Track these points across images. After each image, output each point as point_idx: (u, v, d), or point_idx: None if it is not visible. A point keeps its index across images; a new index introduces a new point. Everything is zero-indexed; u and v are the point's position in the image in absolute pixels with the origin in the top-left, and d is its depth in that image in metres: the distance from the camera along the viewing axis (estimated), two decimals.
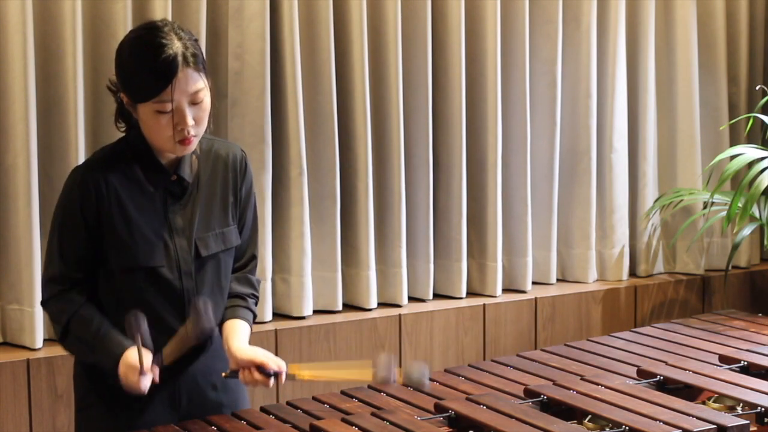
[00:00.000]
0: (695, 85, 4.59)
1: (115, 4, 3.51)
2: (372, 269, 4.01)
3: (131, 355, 2.36)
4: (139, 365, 2.32)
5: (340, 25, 3.93)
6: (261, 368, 2.43)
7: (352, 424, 2.41)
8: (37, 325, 3.46)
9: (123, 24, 3.51)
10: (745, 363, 2.91)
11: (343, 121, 3.96)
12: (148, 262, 2.43)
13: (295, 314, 3.87)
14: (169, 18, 3.56)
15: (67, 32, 3.45)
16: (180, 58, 2.33)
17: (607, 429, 2.41)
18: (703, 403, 2.61)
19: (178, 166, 2.47)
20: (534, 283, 4.41)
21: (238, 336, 2.50)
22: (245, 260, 2.63)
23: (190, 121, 2.36)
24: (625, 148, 4.52)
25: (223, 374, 2.50)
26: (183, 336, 2.40)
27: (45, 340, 3.53)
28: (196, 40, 2.42)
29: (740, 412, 2.53)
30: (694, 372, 2.80)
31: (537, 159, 4.37)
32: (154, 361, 2.37)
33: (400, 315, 4.00)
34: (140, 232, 2.43)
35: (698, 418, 2.42)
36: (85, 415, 2.56)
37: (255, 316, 2.63)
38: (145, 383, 2.35)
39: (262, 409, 2.57)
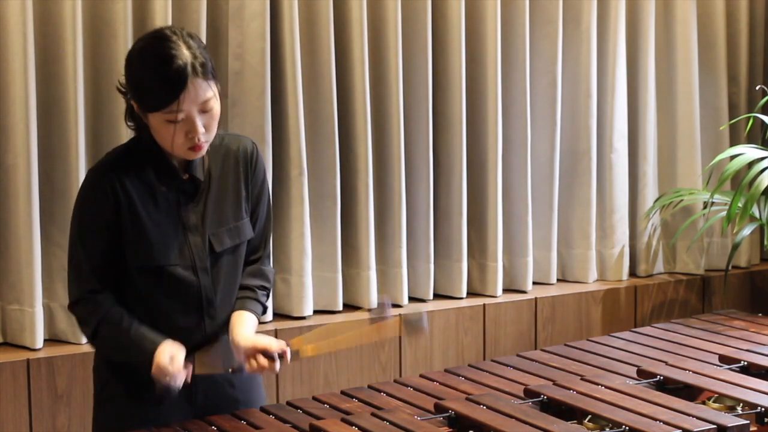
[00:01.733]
0: (695, 85, 4.59)
1: (115, 4, 3.51)
2: (372, 269, 4.01)
3: (162, 355, 2.39)
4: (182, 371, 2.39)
5: (341, 25, 3.93)
6: (265, 353, 2.45)
7: (352, 424, 2.42)
8: (37, 326, 3.46)
9: (123, 24, 3.51)
10: (745, 363, 2.91)
11: (344, 120, 3.96)
12: (163, 261, 2.46)
13: (295, 314, 3.88)
14: (170, 18, 3.56)
15: (67, 32, 3.45)
16: (189, 69, 2.34)
17: (607, 429, 2.41)
18: (703, 403, 2.61)
19: (189, 165, 2.49)
20: (534, 283, 4.41)
21: (242, 326, 2.52)
22: (259, 253, 2.65)
23: (201, 129, 2.38)
24: (625, 148, 4.52)
25: (230, 370, 2.52)
26: (214, 360, 2.45)
27: (45, 340, 3.53)
28: (205, 47, 2.44)
29: (740, 412, 2.53)
30: (694, 372, 2.80)
31: (537, 159, 4.37)
32: (186, 363, 2.41)
33: (400, 315, 3.99)
34: (154, 231, 2.45)
35: (698, 418, 2.42)
36: (102, 408, 2.58)
37: (265, 308, 2.64)
38: (179, 381, 2.39)
39: (262, 409, 2.57)
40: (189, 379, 2.42)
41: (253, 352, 2.46)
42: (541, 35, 4.34)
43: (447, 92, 4.15)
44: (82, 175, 3.49)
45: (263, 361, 2.45)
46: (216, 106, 2.41)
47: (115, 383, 2.54)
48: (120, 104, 3.52)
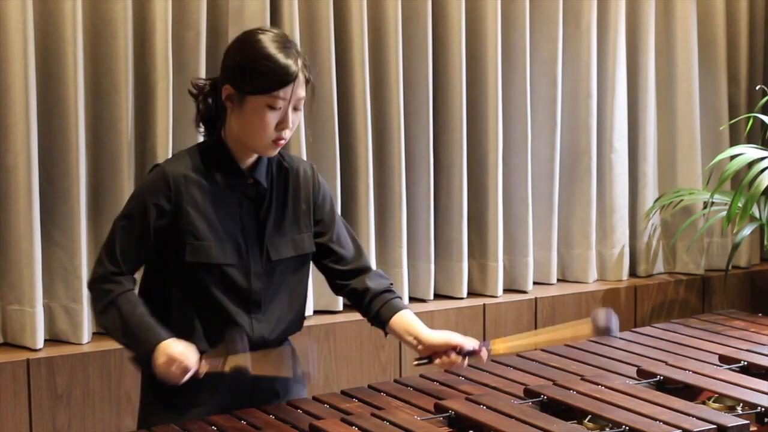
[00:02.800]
0: (695, 85, 4.59)
1: (115, 4, 3.51)
2: None
3: (175, 346, 2.42)
4: (197, 365, 2.43)
5: (341, 25, 3.93)
6: (458, 350, 2.58)
7: (352, 424, 2.41)
8: (37, 326, 3.46)
9: (123, 24, 3.51)
10: (745, 363, 2.90)
11: (344, 120, 3.96)
12: (220, 260, 2.51)
13: None
14: (170, 18, 3.57)
15: (68, 32, 3.45)
16: (299, 65, 2.47)
17: (607, 429, 2.41)
18: (703, 403, 2.61)
19: (255, 170, 2.56)
20: (534, 283, 4.41)
21: (419, 325, 2.63)
22: (361, 263, 2.71)
23: (291, 124, 2.48)
24: (625, 148, 4.52)
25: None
26: (223, 361, 2.46)
27: (45, 340, 3.53)
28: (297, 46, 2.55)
29: (740, 412, 2.53)
30: (694, 372, 2.80)
31: (537, 159, 4.37)
32: (211, 362, 2.45)
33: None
34: (215, 231, 2.51)
35: (698, 418, 2.41)
36: (149, 388, 2.63)
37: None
38: (186, 377, 2.42)
39: (262, 409, 2.57)
40: (201, 375, 2.44)
41: (446, 348, 2.59)
42: (541, 35, 4.35)
43: (447, 92, 4.15)
44: (82, 175, 3.50)
45: (455, 357, 2.59)
46: (302, 109, 2.52)
47: (153, 393, 2.58)
48: (120, 104, 3.54)
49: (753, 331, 3.35)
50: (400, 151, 4.02)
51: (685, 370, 2.82)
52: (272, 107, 2.45)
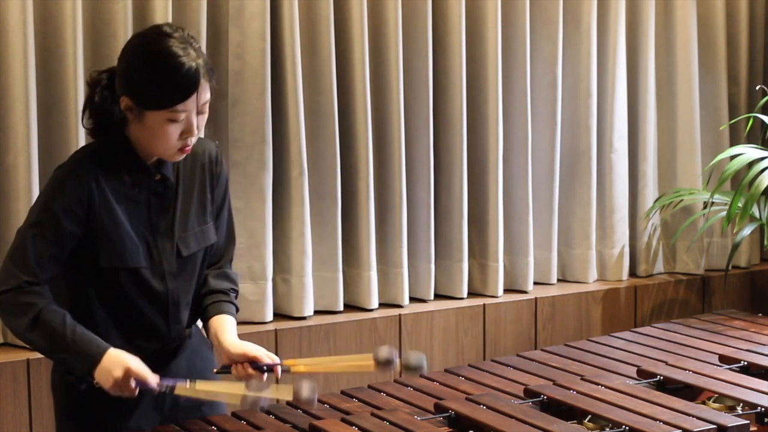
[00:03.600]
0: (695, 85, 4.59)
1: (115, 4, 3.51)
2: (373, 269, 4.01)
3: (121, 356, 2.33)
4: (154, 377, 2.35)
5: (341, 25, 3.93)
6: (254, 363, 2.43)
7: (352, 424, 2.42)
8: None
9: (123, 24, 3.51)
10: (745, 363, 2.91)
11: (344, 120, 3.96)
12: (133, 263, 2.43)
13: (296, 314, 3.87)
14: (170, 18, 3.56)
15: (68, 32, 3.45)
16: (201, 70, 2.34)
17: (607, 429, 2.41)
18: (703, 403, 2.61)
19: (161, 166, 2.47)
20: (534, 283, 4.41)
21: (227, 331, 2.50)
22: (224, 258, 2.63)
23: (195, 131, 2.38)
24: (625, 148, 4.52)
25: (215, 370, 2.51)
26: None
27: None
28: (200, 46, 2.41)
29: (740, 412, 2.53)
30: (694, 372, 2.80)
31: (538, 159, 4.37)
32: (163, 383, 2.37)
33: (400, 315, 4.00)
34: (127, 233, 2.42)
35: (698, 418, 2.42)
36: (69, 424, 2.52)
37: (238, 310, 2.61)
38: (136, 390, 2.34)
39: (262, 410, 2.57)
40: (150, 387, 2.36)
41: (243, 359, 2.44)
42: (541, 35, 4.35)
43: (447, 92, 4.15)
44: None
45: (251, 370, 2.43)
46: (207, 107, 2.41)
47: (80, 398, 2.46)
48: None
49: (753, 331, 3.35)
50: (401, 151, 4.02)
51: (685, 370, 2.82)
52: (174, 120, 2.34)
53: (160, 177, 2.46)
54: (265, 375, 2.44)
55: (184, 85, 2.32)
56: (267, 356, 2.45)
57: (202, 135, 2.45)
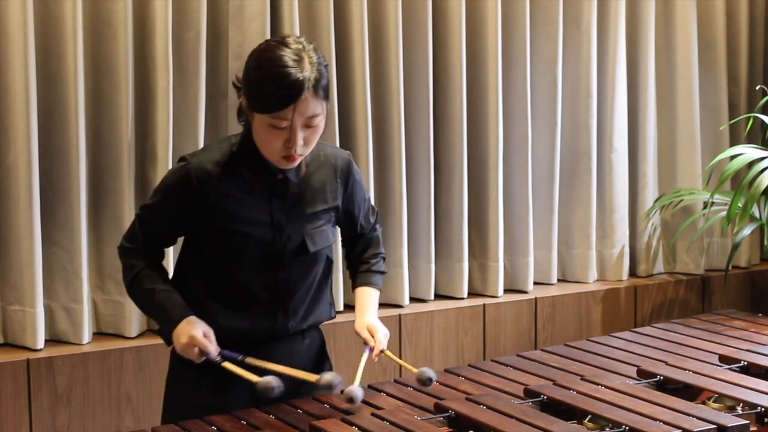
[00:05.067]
0: (695, 85, 4.59)
1: (116, 4, 3.51)
2: None
3: (192, 324, 2.50)
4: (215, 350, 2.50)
5: (341, 25, 3.93)
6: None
7: (352, 424, 2.42)
8: (38, 326, 3.46)
9: (123, 24, 3.51)
10: (745, 363, 2.91)
11: (344, 121, 3.96)
12: (251, 248, 2.54)
13: None
14: (170, 18, 3.56)
15: (68, 32, 3.45)
16: (307, 83, 2.42)
17: (607, 429, 2.41)
18: (703, 403, 2.61)
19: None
20: (534, 283, 4.41)
21: (360, 307, 2.76)
22: (366, 229, 2.80)
23: (300, 142, 2.46)
24: (625, 148, 4.52)
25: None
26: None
27: (46, 340, 3.53)
28: (327, 66, 2.50)
29: (740, 412, 2.53)
30: (694, 372, 2.80)
31: (538, 159, 4.37)
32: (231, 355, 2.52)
33: (400, 315, 4.00)
34: (247, 219, 2.53)
35: (698, 418, 2.41)
36: (172, 389, 2.69)
37: (384, 272, 2.83)
38: (202, 357, 2.49)
39: (262, 409, 2.57)
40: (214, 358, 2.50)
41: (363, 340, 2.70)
42: (541, 35, 4.35)
43: (447, 92, 4.15)
44: (82, 175, 3.50)
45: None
46: (321, 123, 2.50)
47: (184, 367, 2.60)
48: (120, 105, 3.55)
49: (753, 331, 3.35)
50: (401, 151, 4.02)
51: (685, 370, 2.82)
52: (275, 126, 2.44)
53: (282, 177, 2.56)
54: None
55: (283, 94, 2.41)
56: (378, 342, 2.68)
57: (311, 147, 2.51)
